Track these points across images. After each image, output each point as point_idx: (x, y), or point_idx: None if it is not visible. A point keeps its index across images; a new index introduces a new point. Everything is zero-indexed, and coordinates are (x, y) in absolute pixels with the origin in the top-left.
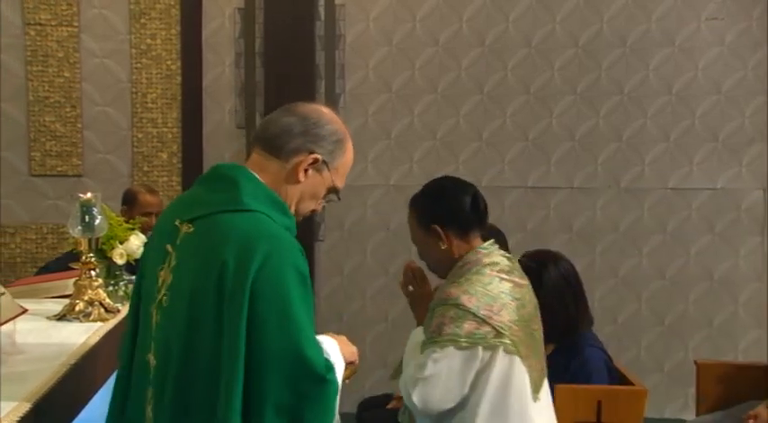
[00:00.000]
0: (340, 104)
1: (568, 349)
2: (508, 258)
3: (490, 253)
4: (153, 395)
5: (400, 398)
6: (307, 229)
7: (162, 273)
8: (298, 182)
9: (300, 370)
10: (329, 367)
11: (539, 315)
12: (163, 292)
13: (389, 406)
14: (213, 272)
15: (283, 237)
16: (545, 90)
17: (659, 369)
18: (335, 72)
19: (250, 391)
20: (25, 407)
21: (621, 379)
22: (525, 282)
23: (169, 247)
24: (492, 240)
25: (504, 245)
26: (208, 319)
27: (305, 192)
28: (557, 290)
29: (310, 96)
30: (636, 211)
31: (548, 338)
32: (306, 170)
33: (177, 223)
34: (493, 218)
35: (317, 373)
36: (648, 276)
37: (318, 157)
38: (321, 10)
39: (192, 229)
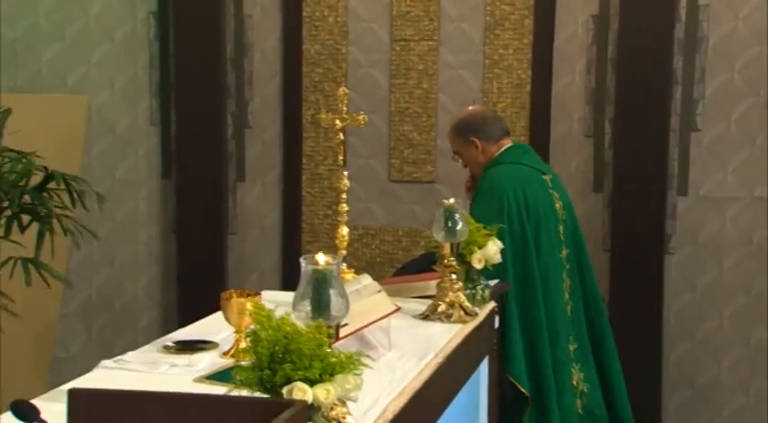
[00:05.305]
0: (697, 111)
1: None
2: None
3: None
4: (569, 286)
5: None
6: (655, 240)
7: (558, 205)
8: None
9: None
10: None
11: None
12: (561, 216)
13: None
14: (570, 202)
15: None
16: None
17: None
18: (694, 76)
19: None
20: (401, 401)
21: None
22: None
23: (551, 191)
24: None
25: None
26: (579, 227)
27: None
28: None
29: (664, 102)
30: None
31: None
32: None
33: (543, 177)
34: None
35: None
36: None
37: None
38: (682, 12)
39: (549, 177)
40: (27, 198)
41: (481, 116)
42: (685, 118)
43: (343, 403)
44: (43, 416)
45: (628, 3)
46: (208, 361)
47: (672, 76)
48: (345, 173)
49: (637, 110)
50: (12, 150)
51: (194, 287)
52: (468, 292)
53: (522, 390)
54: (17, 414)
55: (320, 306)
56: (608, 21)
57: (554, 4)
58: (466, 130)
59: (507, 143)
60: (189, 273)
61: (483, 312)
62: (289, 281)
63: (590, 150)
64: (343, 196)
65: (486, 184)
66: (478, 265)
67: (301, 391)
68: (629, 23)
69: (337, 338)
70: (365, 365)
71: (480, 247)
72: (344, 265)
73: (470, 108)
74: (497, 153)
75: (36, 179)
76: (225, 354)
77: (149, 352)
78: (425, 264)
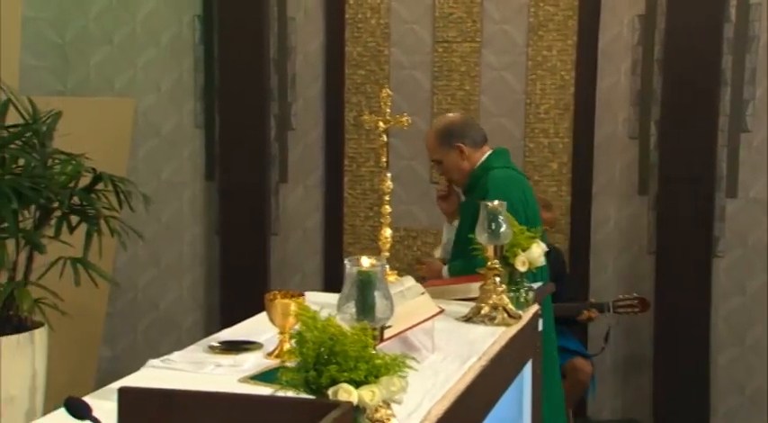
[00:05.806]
0: (747, 111)
1: None
2: None
3: None
4: None
5: None
6: (702, 243)
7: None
8: None
9: None
10: None
11: None
12: (541, 220)
13: None
14: None
15: None
16: None
17: None
18: (744, 77)
19: None
20: (445, 404)
21: None
22: None
23: (533, 195)
24: None
25: None
26: None
27: None
28: None
29: (712, 103)
30: None
31: None
32: None
33: (527, 182)
34: None
35: None
36: None
37: None
38: (732, 11)
39: (529, 182)
40: (76, 199)
41: (463, 122)
42: (734, 119)
43: (388, 405)
44: (94, 413)
45: (675, 2)
46: (253, 361)
47: (720, 76)
48: (389, 175)
49: (684, 110)
50: (62, 152)
51: (237, 288)
52: (512, 294)
53: None
54: (71, 411)
55: (365, 308)
56: (654, 21)
57: (599, 4)
58: (450, 136)
59: (488, 149)
60: (232, 274)
61: (527, 315)
62: (331, 282)
63: (635, 152)
64: (386, 198)
65: (493, 189)
66: (522, 268)
67: (347, 393)
68: (677, 23)
69: (381, 340)
70: (410, 367)
71: (524, 250)
72: (387, 266)
73: (450, 115)
74: (482, 158)
75: (85, 181)
76: (269, 354)
77: (195, 352)
78: None
